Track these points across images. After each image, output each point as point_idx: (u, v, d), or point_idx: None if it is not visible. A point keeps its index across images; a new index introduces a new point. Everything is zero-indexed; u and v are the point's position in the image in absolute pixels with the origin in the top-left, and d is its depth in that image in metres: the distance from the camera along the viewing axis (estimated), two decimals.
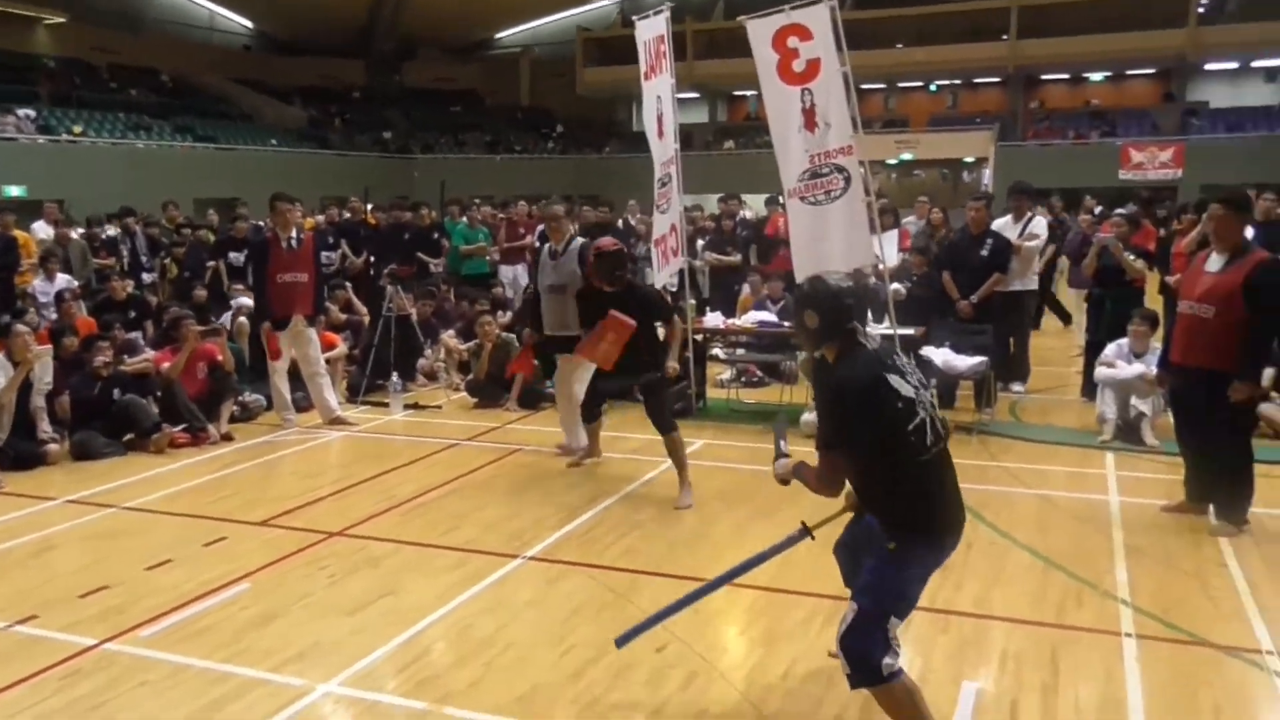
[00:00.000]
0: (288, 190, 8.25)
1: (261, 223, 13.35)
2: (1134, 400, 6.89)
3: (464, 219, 12.76)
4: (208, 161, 29.02)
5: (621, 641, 3.63)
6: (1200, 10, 32.76)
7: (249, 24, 40.39)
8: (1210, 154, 30.94)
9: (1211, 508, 5.31)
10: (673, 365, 6.14)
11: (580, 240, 6.82)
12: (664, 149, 8.17)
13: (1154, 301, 8.62)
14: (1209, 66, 35.95)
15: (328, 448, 7.50)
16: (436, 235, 12.31)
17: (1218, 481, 5.32)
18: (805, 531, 3.46)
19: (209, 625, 4.26)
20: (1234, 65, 35.93)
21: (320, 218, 13.70)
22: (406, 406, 8.60)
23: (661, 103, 8.12)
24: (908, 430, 2.99)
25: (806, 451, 6.49)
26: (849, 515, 3.46)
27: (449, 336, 9.69)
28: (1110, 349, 7.20)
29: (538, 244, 12.06)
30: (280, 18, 38.40)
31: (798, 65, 7.36)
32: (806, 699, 3.55)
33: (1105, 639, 3.97)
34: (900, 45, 33.18)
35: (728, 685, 3.67)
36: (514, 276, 12.43)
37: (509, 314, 10.51)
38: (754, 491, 6.07)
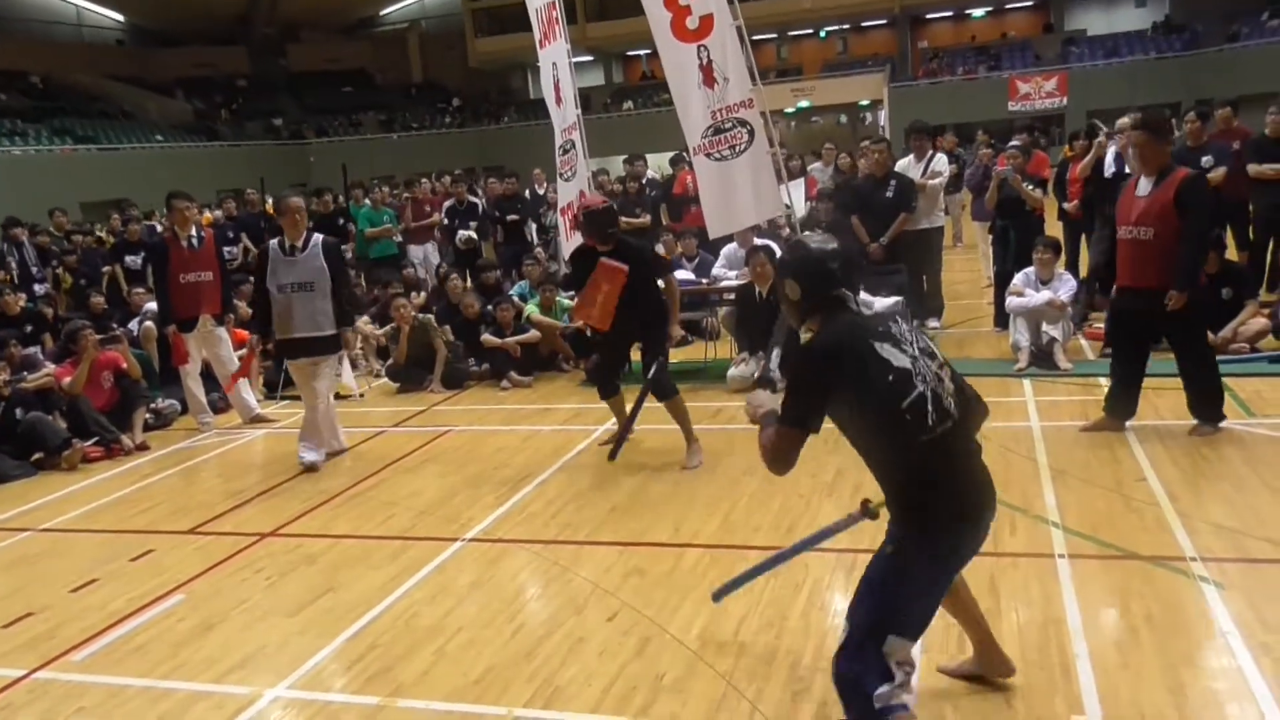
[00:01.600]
0: (180, 186, 7.98)
1: (157, 224, 12.88)
2: (1045, 326, 7.10)
3: (367, 201, 12.47)
4: (91, 163, 27.85)
5: (719, 596, 3.63)
6: None
7: (120, 17, 38.60)
8: (1092, 80, 31.92)
9: (1190, 411, 5.55)
10: (676, 331, 6.05)
11: (321, 236, 6.46)
12: (564, 116, 8.09)
13: (1054, 228, 8.88)
14: None
15: (250, 448, 7.30)
16: (341, 221, 12.05)
17: (1192, 388, 5.53)
18: (866, 510, 2.94)
19: (145, 642, 4.13)
20: None
21: (218, 213, 13.26)
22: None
23: (558, 69, 8.03)
24: (901, 407, 2.57)
25: (737, 405, 6.52)
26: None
27: (364, 322, 9.48)
28: (1018, 278, 7.39)
29: (445, 220, 12.00)
30: (152, 9, 36.80)
31: (691, 22, 7.35)
32: (761, 654, 3.59)
33: (1040, 562, 4.09)
34: None
35: (681, 648, 3.68)
36: (424, 256, 12.24)
37: (423, 294, 10.33)
38: (684, 450, 6.09)
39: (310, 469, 6.35)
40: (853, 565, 4.23)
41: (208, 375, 7.84)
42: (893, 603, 2.63)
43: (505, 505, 5.43)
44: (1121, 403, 5.71)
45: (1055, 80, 31.74)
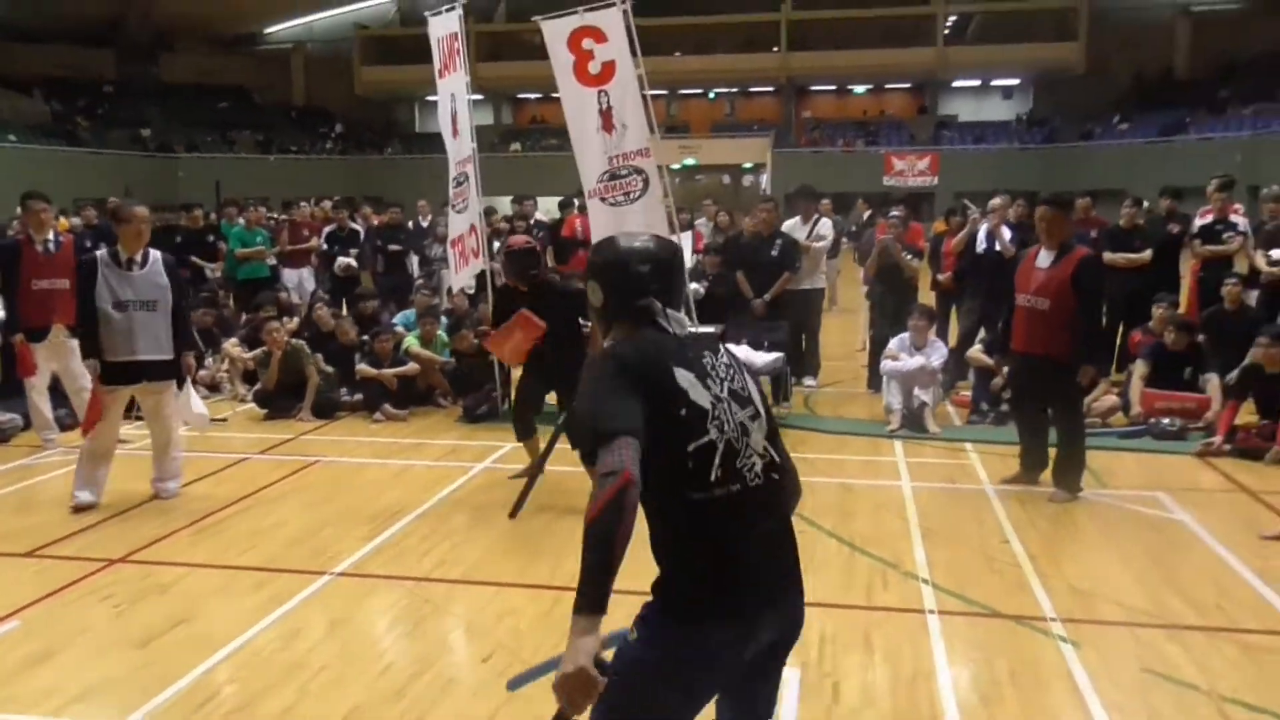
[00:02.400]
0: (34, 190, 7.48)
1: (9, 226, 12.13)
2: (917, 390, 7.37)
3: (241, 220, 12.03)
4: None
5: (514, 685, 2.23)
6: (946, 31, 35.75)
7: None
8: (960, 162, 33.88)
9: (1052, 477, 5.89)
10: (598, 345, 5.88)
11: (159, 253, 5.91)
12: (460, 148, 8.02)
13: (925, 296, 9.27)
14: (956, 83, 39.35)
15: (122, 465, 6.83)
16: (212, 238, 11.60)
17: (1058, 454, 5.88)
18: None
19: None
20: (976, 83, 39.54)
21: (76, 220, 12.54)
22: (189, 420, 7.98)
23: (455, 101, 7.97)
24: (686, 449, 2.07)
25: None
26: None
27: (232, 344, 9.11)
28: (894, 343, 7.66)
29: (324, 245, 11.67)
30: (15, 1, 34.89)
31: (593, 67, 7.41)
32: None
33: (911, 617, 4.20)
34: (679, 54, 34.21)
35: None
36: (299, 280, 11.85)
37: (296, 319, 9.99)
38: (564, 491, 6.03)
39: (83, 509, 5.73)
40: None
41: (54, 390, 7.33)
42: (629, 708, 2.05)
43: (376, 540, 5.23)
44: (1032, 456, 6.07)
45: (928, 160, 33.49)
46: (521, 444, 6.23)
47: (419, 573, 4.77)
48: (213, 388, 9.13)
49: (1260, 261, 8.37)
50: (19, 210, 7.79)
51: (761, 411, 2.25)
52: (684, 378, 2.12)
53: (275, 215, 13.57)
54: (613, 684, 1.96)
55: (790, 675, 3.66)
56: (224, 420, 8.13)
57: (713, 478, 2.08)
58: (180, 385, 6.04)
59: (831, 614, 4.22)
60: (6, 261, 7.19)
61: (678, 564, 2.10)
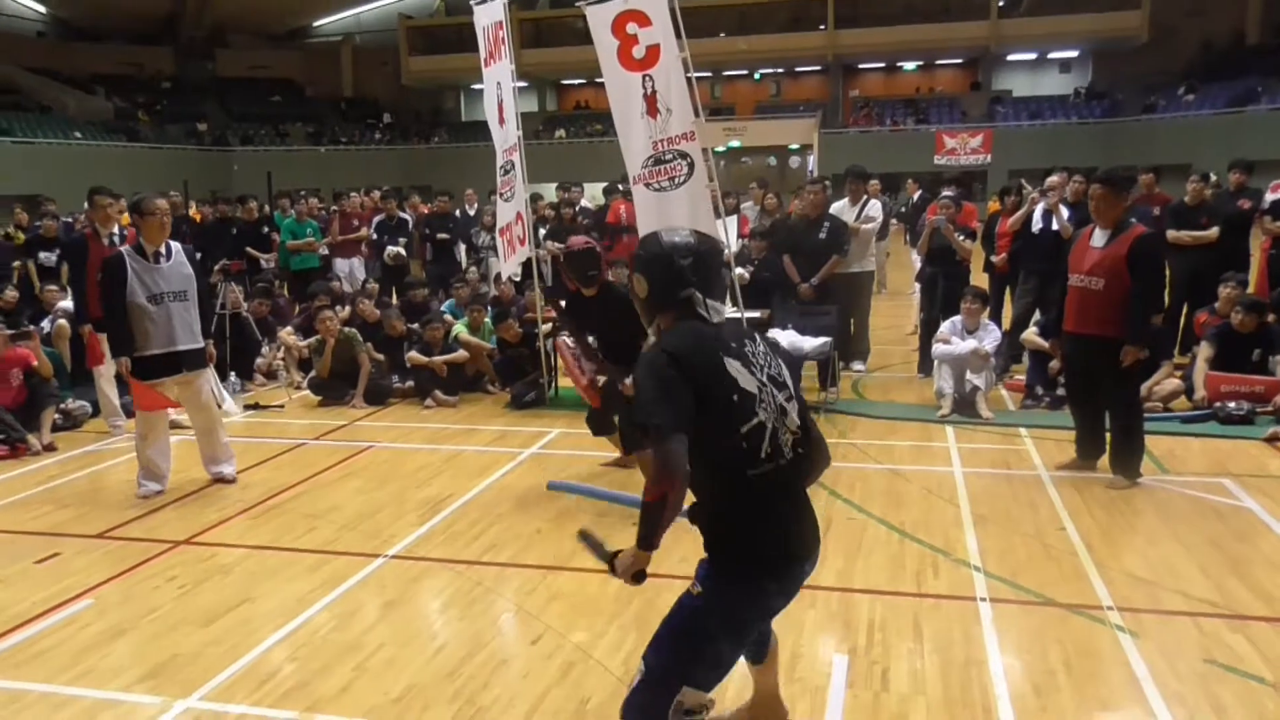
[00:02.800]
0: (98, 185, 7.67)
1: (70, 218, 12.43)
2: (969, 375, 7.26)
3: (292, 212, 12.22)
4: (5, 156, 26.79)
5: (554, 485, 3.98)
6: (1000, 4, 34.90)
7: (41, 9, 37.40)
8: (1015, 140, 33.13)
9: (1109, 463, 5.75)
10: (629, 384, 5.43)
11: (177, 244, 5.97)
12: (506, 136, 8.04)
13: (979, 279, 9.12)
14: (1010, 57, 38.44)
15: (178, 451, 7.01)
16: (266, 229, 11.80)
17: (1114, 439, 5.74)
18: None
19: (48, 647, 3.93)
20: (1032, 56, 38.57)
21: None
22: (246, 407, 8.17)
23: (501, 89, 7.98)
24: (740, 431, 2.37)
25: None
26: None
27: (287, 333, 9.26)
28: (945, 326, 7.56)
29: (374, 235, 11.80)
30: (76, 2, 35.72)
31: (638, 52, 7.36)
32: None
33: (962, 605, 4.15)
34: (723, 35, 33.89)
35: (605, 673, 3.63)
36: (350, 270, 12.00)
37: (348, 308, 10.11)
38: (610, 478, 6.08)
39: (152, 496, 5.88)
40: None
41: (121, 378, 7.52)
42: (690, 651, 2.44)
43: (428, 524, 5.31)
44: (1088, 443, 5.94)
45: (980, 138, 32.80)
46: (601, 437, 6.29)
47: (470, 556, 4.83)
48: (269, 375, 9.31)
49: None
50: (86, 205, 7.99)
51: (795, 394, 2.57)
52: (733, 366, 2.41)
53: (326, 206, 13.74)
54: (677, 632, 2.44)
55: (839, 661, 3.66)
56: (280, 407, 8.29)
57: (763, 454, 2.42)
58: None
59: (880, 600, 4.19)
60: (74, 255, 7.41)
61: (735, 531, 2.44)
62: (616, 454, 6.35)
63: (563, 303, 6.36)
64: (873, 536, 4.97)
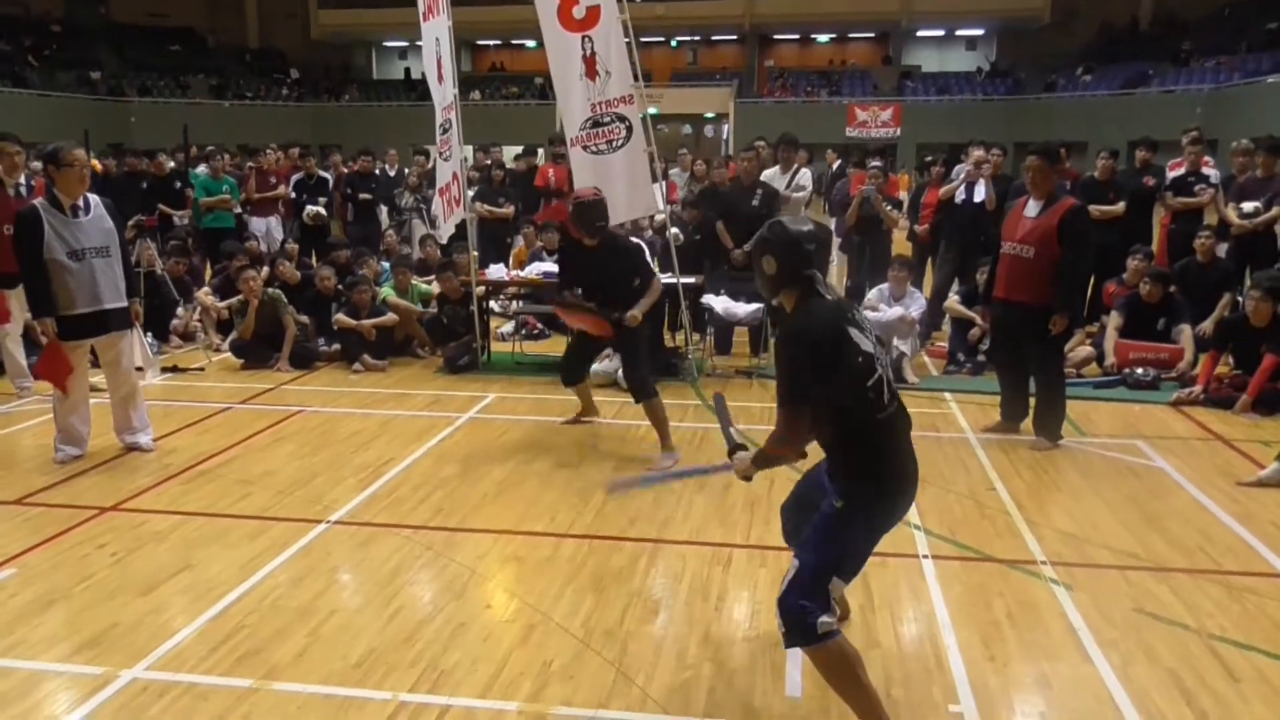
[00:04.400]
0: None
1: None
2: (895, 341, 7.43)
3: (205, 168, 11.76)
4: None
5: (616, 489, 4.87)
6: None
7: None
8: (923, 114, 33.85)
9: (1033, 426, 6.01)
10: (634, 314, 5.70)
11: (96, 197, 5.64)
12: (444, 93, 7.88)
13: (901, 246, 9.34)
14: (920, 33, 39.19)
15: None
16: (179, 185, 11.33)
17: (1038, 403, 5.98)
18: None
19: None
20: (940, 33, 39.39)
21: (36, 164, 12.17)
22: (164, 370, 7.88)
23: (440, 45, 7.80)
24: (867, 385, 2.89)
25: (600, 400, 6.58)
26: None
27: (204, 293, 8.96)
28: (872, 293, 7.73)
29: (293, 194, 11.46)
30: None
31: (578, 11, 7.31)
32: (646, 642, 3.61)
33: (907, 562, 4.29)
34: (639, 0, 33.63)
35: (567, 635, 3.65)
36: (267, 229, 11.62)
37: (266, 269, 9.82)
38: (551, 442, 6.09)
39: (70, 461, 5.65)
40: (728, 560, 4.32)
41: (28, 337, 7.18)
42: (838, 550, 2.96)
43: (369, 489, 5.23)
44: (1012, 405, 6.17)
45: (891, 111, 33.43)
46: (570, 389, 6.36)
47: (416, 521, 4.78)
48: (186, 337, 9.00)
49: (1231, 214, 8.51)
50: None
51: (885, 345, 3.21)
52: (855, 334, 2.91)
53: (240, 163, 13.24)
54: (828, 536, 2.96)
55: None
56: (200, 369, 8.03)
57: (885, 399, 2.94)
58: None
59: None
60: None
61: (871, 462, 2.97)
62: (576, 412, 6.47)
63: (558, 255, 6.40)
64: None
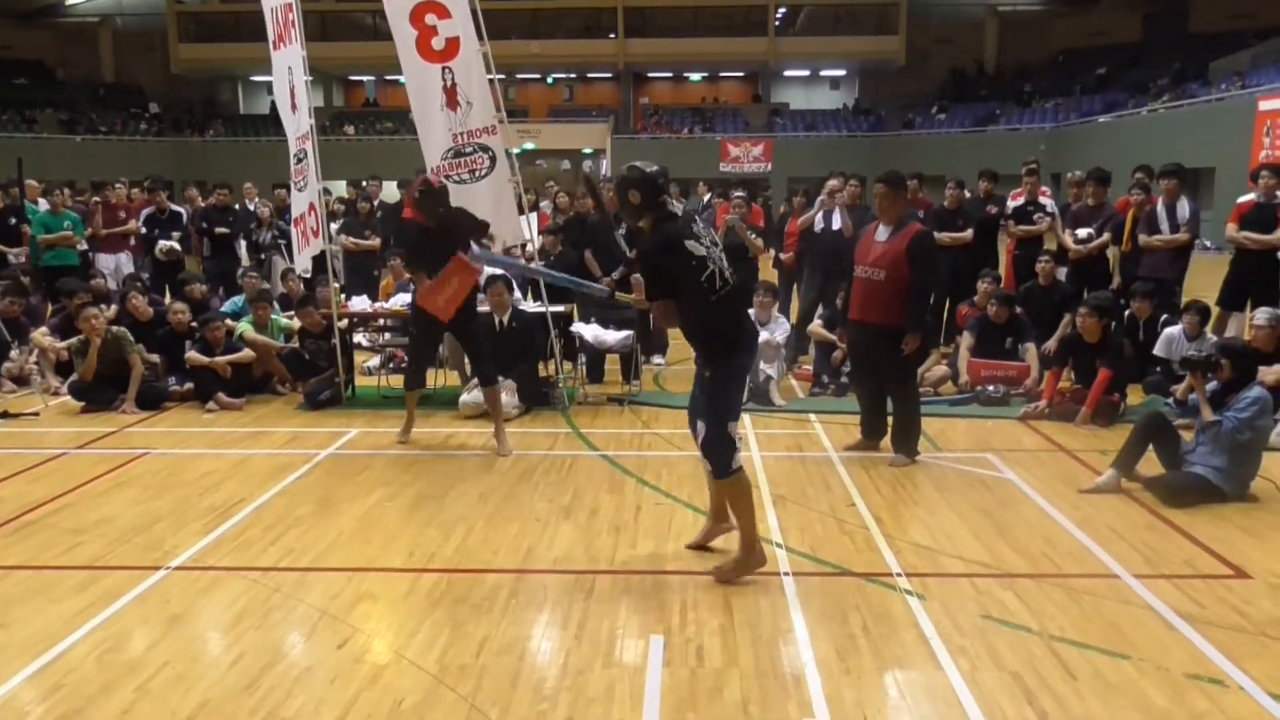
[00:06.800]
0: None
1: None
2: (762, 365, 7.52)
3: (44, 203, 11.15)
4: None
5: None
6: (776, 23, 36.86)
7: None
8: (793, 149, 34.96)
9: (891, 443, 6.16)
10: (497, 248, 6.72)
11: None
12: (299, 123, 7.68)
13: (768, 274, 9.53)
14: (787, 73, 40.58)
15: None
16: (14, 220, 10.70)
17: (895, 421, 6.14)
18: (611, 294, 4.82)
19: None
20: (806, 73, 40.87)
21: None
22: None
23: (293, 74, 7.61)
24: (701, 280, 4.04)
25: (469, 432, 6.41)
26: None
27: (41, 334, 8.44)
28: None
29: (144, 229, 10.98)
30: None
31: (437, 43, 7.26)
32: (503, 675, 3.50)
33: (768, 579, 4.30)
34: (515, 37, 33.84)
35: (420, 672, 3.52)
36: (116, 266, 11.10)
37: (114, 307, 9.33)
38: (416, 475, 5.93)
39: None
40: (591, 586, 4.26)
41: None
42: (724, 404, 4.16)
43: (216, 531, 4.97)
44: (872, 424, 6.33)
45: (762, 146, 34.34)
46: (409, 394, 6.62)
47: (265, 563, 4.56)
48: (20, 381, 8.45)
49: (1067, 240, 9.00)
50: None
51: (718, 245, 4.27)
52: (690, 245, 4.07)
53: (86, 199, 12.62)
54: (716, 397, 4.18)
55: (655, 641, 3.71)
56: (35, 414, 7.54)
57: (717, 287, 4.09)
58: None
59: (691, 581, 4.29)
60: None
61: (720, 334, 4.17)
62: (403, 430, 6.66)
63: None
64: (681, 520, 5.08)
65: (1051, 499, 5.39)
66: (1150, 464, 5.60)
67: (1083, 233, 8.85)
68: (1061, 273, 8.96)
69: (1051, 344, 7.96)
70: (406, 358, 7.01)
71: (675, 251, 4.01)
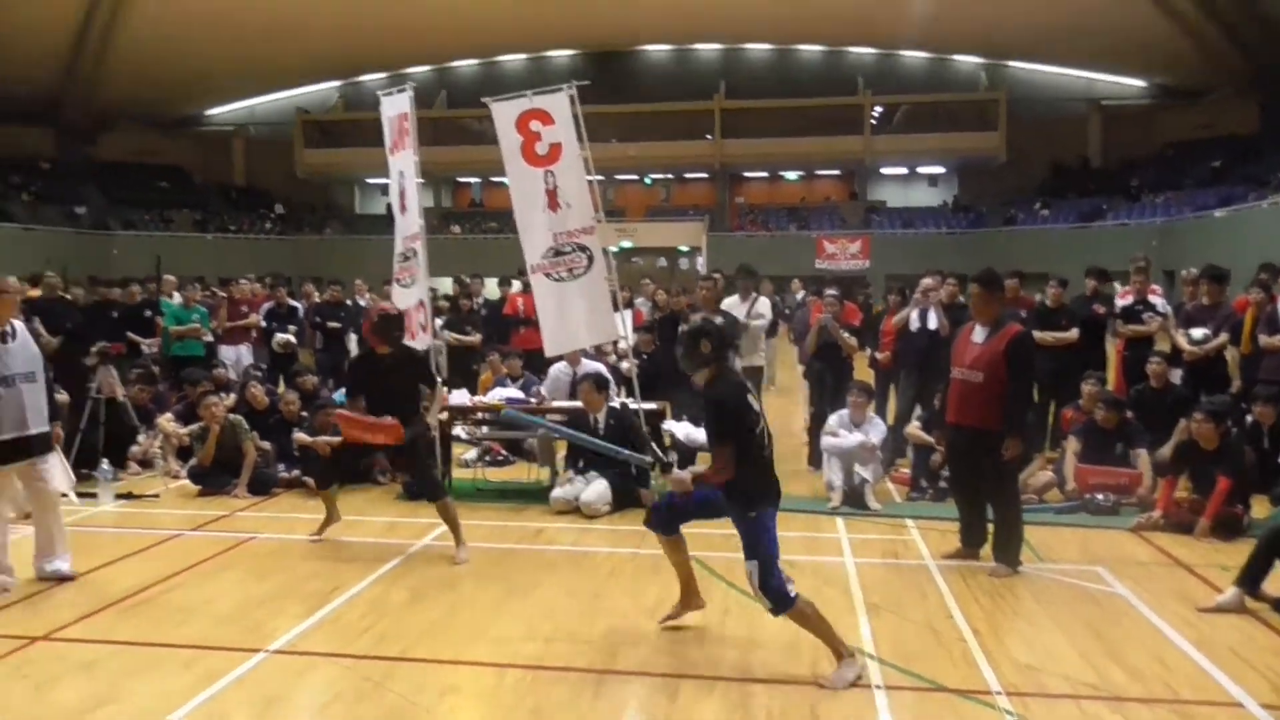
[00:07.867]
0: None
1: None
2: (857, 467, 7.42)
3: (178, 297, 11.86)
4: None
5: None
6: (873, 121, 37.19)
7: None
8: (891, 246, 34.85)
9: (991, 552, 5.95)
10: (432, 421, 6.47)
11: (18, 322, 5.65)
12: (408, 224, 8.06)
13: (863, 373, 9.44)
14: (884, 170, 40.72)
15: (18, 545, 6.53)
16: (149, 313, 11.38)
17: (995, 529, 5.95)
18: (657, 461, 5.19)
19: None
20: (903, 170, 40.92)
21: None
22: (118, 496, 7.74)
23: (405, 178, 8.02)
24: (757, 432, 4.35)
25: (560, 527, 6.54)
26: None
27: (166, 419, 8.89)
28: (833, 419, 7.75)
29: (264, 322, 11.58)
30: None
31: (540, 148, 7.56)
32: None
33: (858, 692, 4.18)
34: (614, 141, 34.84)
35: None
36: (237, 357, 11.66)
37: (233, 395, 9.79)
38: (506, 569, 5.99)
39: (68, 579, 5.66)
40: (675, 691, 4.20)
41: None
42: (765, 540, 4.32)
43: (313, 616, 5.09)
44: (971, 531, 6.12)
45: (859, 243, 34.38)
46: (321, 494, 6.70)
47: (357, 650, 4.64)
48: (145, 464, 8.88)
49: (1181, 341, 8.68)
50: None
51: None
52: (749, 399, 4.41)
53: (215, 291, 13.38)
54: (758, 536, 4.32)
55: None
56: (155, 496, 7.90)
57: (766, 442, 4.43)
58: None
59: (778, 690, 4.19)
60: None
61: (760, 483, 4.40)
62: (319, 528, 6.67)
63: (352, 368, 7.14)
64: (769, 627, 4.95)
65: (1167, 617, 5.10)
66: (1278, 582, 5.27)
67: (1198, 333, 8.54)
68: (1176, 375, 8.65)
69: (1166, 450, 7.63)
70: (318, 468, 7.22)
71: (744, 404, 4.32)
